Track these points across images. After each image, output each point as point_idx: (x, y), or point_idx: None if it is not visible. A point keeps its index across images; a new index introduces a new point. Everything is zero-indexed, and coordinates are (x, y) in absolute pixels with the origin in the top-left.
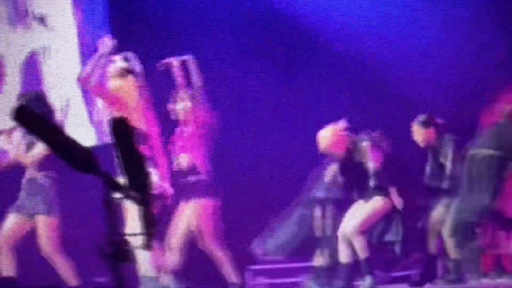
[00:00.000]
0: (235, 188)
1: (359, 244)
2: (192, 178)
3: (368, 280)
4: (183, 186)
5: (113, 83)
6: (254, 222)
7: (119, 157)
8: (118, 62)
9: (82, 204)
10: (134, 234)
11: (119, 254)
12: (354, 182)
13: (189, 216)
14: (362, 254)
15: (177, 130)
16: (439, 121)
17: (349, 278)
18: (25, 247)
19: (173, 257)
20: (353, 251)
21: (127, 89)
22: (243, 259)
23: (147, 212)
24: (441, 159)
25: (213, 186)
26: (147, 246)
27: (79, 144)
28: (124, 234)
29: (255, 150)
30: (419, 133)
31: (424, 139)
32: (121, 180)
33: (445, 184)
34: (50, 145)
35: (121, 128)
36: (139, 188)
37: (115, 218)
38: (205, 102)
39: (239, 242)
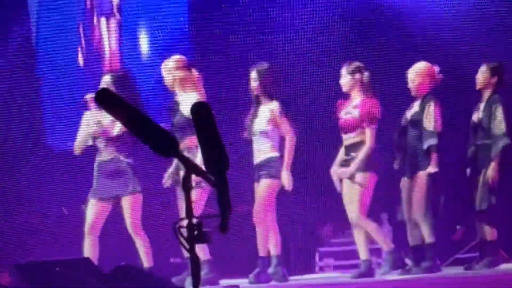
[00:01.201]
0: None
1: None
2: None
3: (426, 264)
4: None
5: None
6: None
7: (199, 139)
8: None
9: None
10: (211, 216)
11: (196, 236)
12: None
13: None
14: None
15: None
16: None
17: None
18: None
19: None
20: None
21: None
22: (312, 241)
23: (223, 195)
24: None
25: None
26: (224, 229)
27: (160, 127)
28: (201, 216)
29: (321, 135)
30: (483, 76)
31: (485, 83)
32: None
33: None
34: (132, 128)
35: (202, 110)
36: (217, 171)
37: (191, 201)
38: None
39: (308, 224)
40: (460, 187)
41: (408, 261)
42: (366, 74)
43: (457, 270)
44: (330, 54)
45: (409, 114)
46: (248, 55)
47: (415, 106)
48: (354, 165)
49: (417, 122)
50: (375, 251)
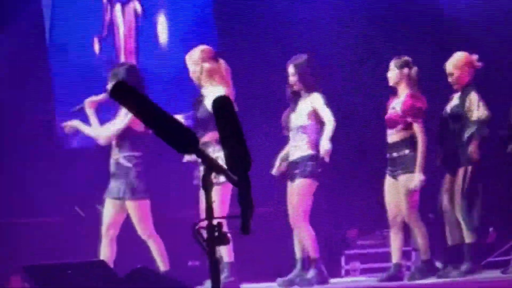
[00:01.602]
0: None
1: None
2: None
3: (465, 266)
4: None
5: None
6: (350, 206)
7: (220, 136)
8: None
9: (173, 186)
10: (232, 217)
11: (216, 237)
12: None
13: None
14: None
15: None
16: None
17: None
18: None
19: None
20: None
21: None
22: (338, 244)
23: (245, 195)
24: None
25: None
26: (245, 230)
27: (179, 122)
28: (221, 217)
29: (353, 137)
30: None
31: None
32: (220, 161)
33: None
34: (149, 123)
35: (224, 105)
36: (238, 170)
37: (211, 200)
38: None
39: (334, 226)
40: (499, 184)
41: (438, 264)
42: (414, 69)
43: (493, 274)
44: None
45: (448, 107)
46: (279, 47)
47: (455, 99)
48: (418, 168)
49: (457, 115)
50: (404, 254)
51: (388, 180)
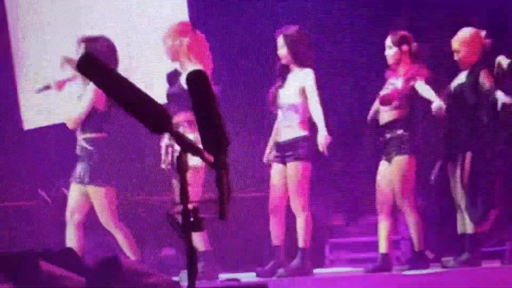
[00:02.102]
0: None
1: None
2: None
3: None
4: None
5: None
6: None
7: (195, 114)
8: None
9: (140, 170)
10: (208, 201)
11: (191, 222)
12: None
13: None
14: None
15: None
16: None
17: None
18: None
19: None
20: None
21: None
22: (322, 232)
23: (223, 177)
24: None
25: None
26: (223, 215)
27: (151, 99)
28: (196, 202)
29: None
30: None
31: None
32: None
33: None
34: (118, 100)
35: (199, 81)
36: (215, 151)
37: (186, 184)
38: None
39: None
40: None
41: (428, 254)
42: (414, 44)
43: (493, 265)
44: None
45: (452, 86)
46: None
47: (462, 77)
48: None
49: (462, 95)
50: (393, 243)
51: (382, 164)
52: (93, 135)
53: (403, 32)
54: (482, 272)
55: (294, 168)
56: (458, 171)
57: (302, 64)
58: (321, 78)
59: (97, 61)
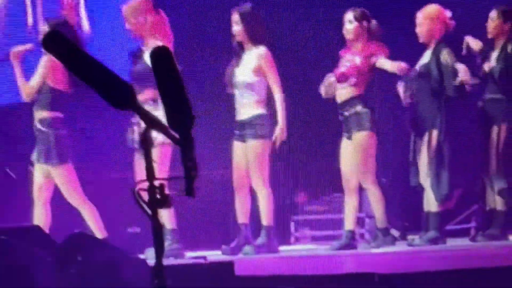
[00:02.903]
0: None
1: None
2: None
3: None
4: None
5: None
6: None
7: (160, 91)
8: None
9: (104, 147)
10: (174, 178)
11: (157, 200)
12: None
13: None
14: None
15: None
16: None
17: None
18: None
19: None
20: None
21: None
22: (287, 209)
23: (189, 154)
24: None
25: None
26: (190, 191)
27: (115, 76)
28: (162, 178)
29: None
30: (494, 22)
31: (496, 31)
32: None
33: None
34: (82, 76)
35: (163, 57)
36: (180, 127)
37: (152, 160)
38: None
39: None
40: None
41: (394, 232)
42: (374, 22)
43: (460, 242)
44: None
45: (418, 65)
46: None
47: (426, 56)
48: None
49: (428, 74)
50: (358, 220)
51: (344, 142)
52: (48, 114)
53: (363, 9)
54: (448, 249)
55: (253, 146)
56: (425, 148)
57: (257, 41)
58: (280, 55)
59: (61, 38)
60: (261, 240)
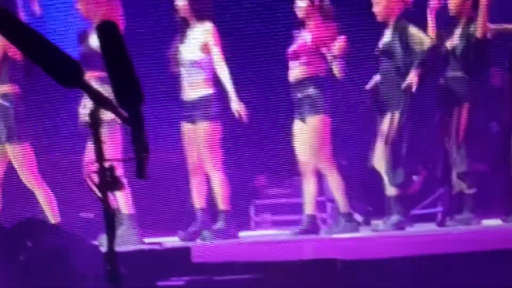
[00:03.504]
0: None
1: None
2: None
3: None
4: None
5: None
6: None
7: (107, 67)
8: None
9: (58, 129)
10: (125, 160)
11: (108, 182)
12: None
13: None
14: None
15: None
16: None
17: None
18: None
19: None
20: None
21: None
22: (246, 193)
23: (139, 133)
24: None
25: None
26: (141, 173)
27: (63, 53)
28: (113, 160)
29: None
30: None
31: (457, 8)
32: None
33: None
34: (29, 53)
35: (110, 32)
36: (130, 105)
37: (101, 141)
38: None
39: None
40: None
41: (357, 217)
42: (326, 1)
43: (424, 227)
44: None
45: (381, 44)
46: None
47: (387, 35)
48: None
49: (391, 53)
50: (319, 205)
51: (298, 124)
52: (9, 88)
53: None
54: (412, 235)
55: (203, 128)
56: (384, 131)
57: (202, 18)
58: (231, 32)
59: (6, 14)
60: (218, 225)
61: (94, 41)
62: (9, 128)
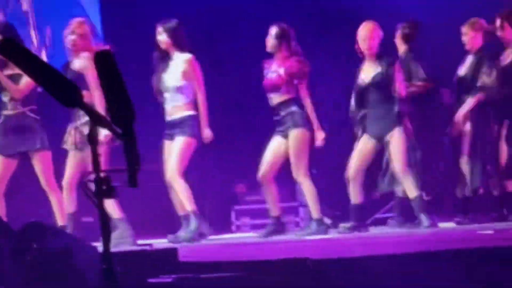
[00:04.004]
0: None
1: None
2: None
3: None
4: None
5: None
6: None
7: (103, 90)
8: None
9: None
10: (118, 170)
11: (103, 190)
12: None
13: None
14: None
15: None
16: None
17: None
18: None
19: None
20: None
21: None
22: (227, 200)
23: (131, 147)
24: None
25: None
26: (133, 182)
27: (64, 78)
28: (108, 170)
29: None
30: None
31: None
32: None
33: None
34: (36, 78)
35: (106, 58)
36: (123, 123)
37: (98, 154)
38: None
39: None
40: None
41: (327, 220)
42: (293, 43)
43: (381, 230)
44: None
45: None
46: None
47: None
48: (317, 126)
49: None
50: (292, 210)
51: (276, 140)
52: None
53: (283, 24)
54: (375, 237)
55: (177, 142)
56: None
57: (182, 48)
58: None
59: (16, 44)
60: (191, 227)
61: (75, 64)
62: (42, 137)
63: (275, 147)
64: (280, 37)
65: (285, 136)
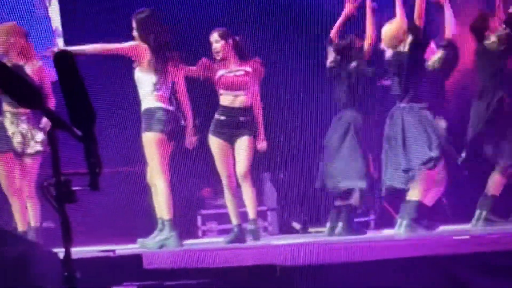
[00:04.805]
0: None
1: None
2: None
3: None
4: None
5: None
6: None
7: (63, 91)
8: None
9: None
10: (80, 174)
11: (63, 195)
12: None
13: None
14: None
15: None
16: None
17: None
18: None
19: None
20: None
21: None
22: (193, 204)
23: (91, 150)
24: None
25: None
26: (94, 185)
27: (25, 80)
28: (68, 174)
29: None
30: None
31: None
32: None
33: None
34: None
35: (65, 60)
36: (83, 125)
37: (58, 157)
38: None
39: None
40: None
41: (295, 225)
42: (237, 38)
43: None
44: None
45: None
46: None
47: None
48: (262, 133)
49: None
50: (261, 214)
51: (222, 143)
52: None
53: (223, 28)
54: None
55: (147, 138)
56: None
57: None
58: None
59: None
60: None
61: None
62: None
63: (225, 152)
64: (224, 38)
65: (232, 142)
